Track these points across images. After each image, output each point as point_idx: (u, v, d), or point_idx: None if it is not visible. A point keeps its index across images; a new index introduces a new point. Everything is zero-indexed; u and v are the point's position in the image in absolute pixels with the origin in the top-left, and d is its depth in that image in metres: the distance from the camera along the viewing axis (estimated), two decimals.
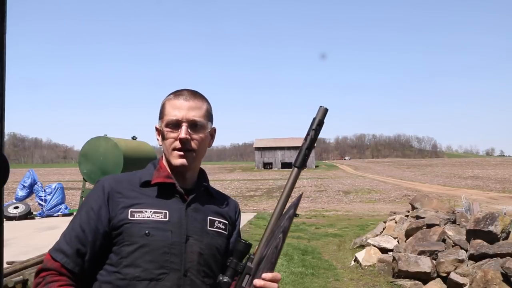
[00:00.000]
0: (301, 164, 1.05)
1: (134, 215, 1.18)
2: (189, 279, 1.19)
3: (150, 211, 1.19)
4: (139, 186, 1.24)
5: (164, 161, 1.30)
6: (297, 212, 1.08)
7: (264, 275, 1.07)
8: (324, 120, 1.07)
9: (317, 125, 1.05)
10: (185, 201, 1.25)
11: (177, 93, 1.28)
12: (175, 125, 1.23)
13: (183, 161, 1.24)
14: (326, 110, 1.07)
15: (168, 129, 1.24)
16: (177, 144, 1.23)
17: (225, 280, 1.04)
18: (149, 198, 1.22)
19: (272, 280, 1.08)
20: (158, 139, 1.30)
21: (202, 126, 1.26)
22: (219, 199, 1.36)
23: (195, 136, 1.24)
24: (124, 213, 1.19)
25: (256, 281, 1.05)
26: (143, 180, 1.25)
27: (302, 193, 1.18)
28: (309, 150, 1.04)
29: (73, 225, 1.21)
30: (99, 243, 1.19)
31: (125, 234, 1.17)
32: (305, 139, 1.06)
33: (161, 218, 1.19)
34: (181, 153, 1.23)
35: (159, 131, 1.28)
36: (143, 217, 1.18)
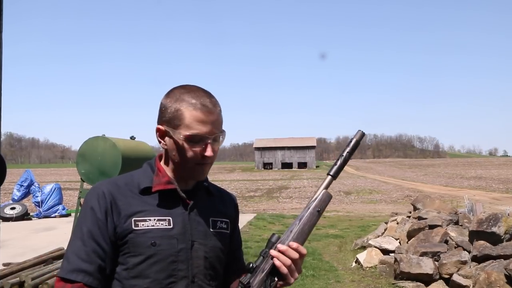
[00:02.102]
0: (335, 174, 1.19)
1: (138, 224, 1.13)
2: (196, 284, 1.18)
3: (154, 219, 1.15)
4: (138, 193, 1.18)
5: (162, 164, 1.24)
6: (319, 209, 1.17)
7: (290, 243, 1.12)
8: (360, 143, 1.23)
9: (352, 147, 1.21)
10: (187, 205, 1.20)
11: (198, 102, 1.15)
12: (200, 140, 1.15)
13: (204, 175, 1.22)
14: (362, 134, 1.22)
15: (189, 143, 1.14)
16: (200, 159, 1.16)
17: (252, 265, 1.11)
18: (150, 205, 1.17)
19: (296, 250, 1.12)
20: (161, 141, 1.20)
21: (222, 138, 1.20)
22: (219, 197, 1.33)
23: (215, 148, 1.18)
24: (127, 222, 1.14)
25: (280, 246, 1.11)
26: (143, 187, 1.18)
27: (330, 195, 1.21)
28: (344, 162, 1.20)
29: (84, 240, 1.12)
30: (113, 255, 1.14)
31: (130, 245, 1.13)
32: (343, 151, 1.21)
33: (165, 225, 1.15)
34: (203, 168, 1.19)
35: (164, 134, 1.19)
36: (147, 226, 1.14)
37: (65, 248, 1.28)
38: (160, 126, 1.18)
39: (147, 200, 1.17)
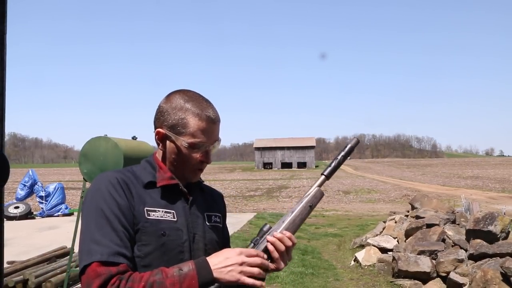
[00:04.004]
0: (329, 174, 1.28)
1: (150, 214, 1.18)
2: None
3: (162, 211, 1.20)
4: (142, 187, 1.22)
5: (163, 161, 1.30)
6: (310, 204, 1.25)
7: (284, 231, 1.20)
8: (354, 149, 1.33)
9: (346, 152, 1.30)
10: (187, 200, 1.27)
11: (203, 113, 1.23)
12: (201, 147, 1.24)
13: (198, 177, 1.31)
14: (357, 141, 1.33)
15: (191, 149, 1.23)
16: (198, 164, 1.26)
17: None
18: (155, 199, 1.22)
19: (289, 238, 1.20)
20: (159, 143, 1.26)
21: (218, 145, 1.30)
22: (209, 193, 1.41)
23: (211, 153, 1.29)
24: (141, 210, 1.17)
25: (275, 233, 1.19)
26: (146, 181, 1.23)
27: (323, 193, 1.30)
28: (338, 164, 1.29)
29: (112, 224, 1.11)
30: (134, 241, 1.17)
31: (142, 233, 1.15)
32: (338, 154, 1.30)
33: (171, 218, 1.21)
34: (199, 172, 1.29)
35: (164, 137, 1.25)
36: (157, 216, 1.18)
37: (79, 236, 1.16)
38: (160, 130, 1.24)
39: (151, 194, 1.22)
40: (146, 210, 1.18)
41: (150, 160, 1.30)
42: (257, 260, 1.11)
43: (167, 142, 1.25)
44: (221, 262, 1.09)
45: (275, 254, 1.18)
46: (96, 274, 1.04)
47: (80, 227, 1.17)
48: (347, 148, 1.31)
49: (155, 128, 1.27)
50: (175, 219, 1.21)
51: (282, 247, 1.18)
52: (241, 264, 1.09)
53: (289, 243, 1.19)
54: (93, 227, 1.10)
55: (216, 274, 1.08)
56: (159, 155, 1.30)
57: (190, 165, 1.25)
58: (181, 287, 1.04)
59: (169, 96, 1.27)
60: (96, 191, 1.16)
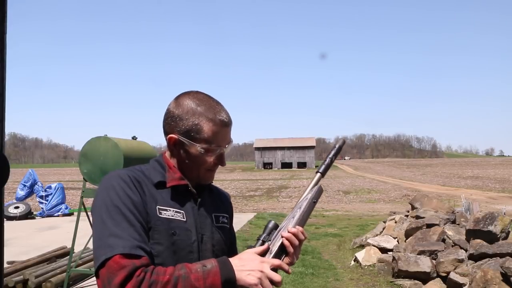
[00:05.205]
0: (324, 171, 1.34)
1: (161, 212, 1.18)
2: None
3: (173, 210, 1.21)
4: (152, 186, 1.22)
5: (172, 161, 1.29)
6: (315, 200, 1.29)
7: (297, 226, 1.21)
8: (342, 148, 1.43)
9: (337, 150, 1.38)
10: (196, 201, 1.28)
11: (216, 117, 1.23)
12: (215, 150, 1.25)
13: (213, 179, 1.33)
14: (344, 141, 1.44)
15: (206, 154, 1.24)
16: (213, 166, 1.28)
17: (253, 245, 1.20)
18: (166, 198, 1.22)
19: (302, 233, 1.22)
20: (173, 149, 1.27)
21: (230, 146, 1.30)
22: (217, 194, 1.43)
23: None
24: (153, 208, 1.17)
25: (290, 228, 1.21)
26: (156, 181, 1.23)
27: (323, 189, 1.34)
28: (329, 164, 1.36)
29: (129, 220, 1.10)
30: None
31: (154, 231, 1.16)
32: (329, 153, 1.37)
33: (181, 218, 1.21)
34: (213, 174, 1.31)
35: (178, 143, 1.24)
36: (168, 215, 1.19)
37: (92, 231, 1.08)
38: (173, 136, 1.23)
39: (161, 193, 1.22)
40: (158, 208, 1.18)
41: (160, 160, 1.30)
42: (277, 277, 1.11)
43: (180, 147, 1.25)
44: (243, 265, 1.10)
45: (291, 249, 1.19)
46: (120, 266, 1.02)
47: (93, 224, 1.14)
48: (336, 147, 1.39)
49: (166, 133, 1.26)
50: (185, 219, 1.22)
51: (297, 242, 1.20)
52: (261, 272, 1.09)
53: (302, 237, 1.22)
54: (110, 223, 1.09)
55: (236, 274, 1.08)
56: (168, 155, 1.30)
57: (203, 168, 1.27)
58: (205, 283, 1.04)
59: (178, 100, 1.26)
60: (109, 188, 1.15)
